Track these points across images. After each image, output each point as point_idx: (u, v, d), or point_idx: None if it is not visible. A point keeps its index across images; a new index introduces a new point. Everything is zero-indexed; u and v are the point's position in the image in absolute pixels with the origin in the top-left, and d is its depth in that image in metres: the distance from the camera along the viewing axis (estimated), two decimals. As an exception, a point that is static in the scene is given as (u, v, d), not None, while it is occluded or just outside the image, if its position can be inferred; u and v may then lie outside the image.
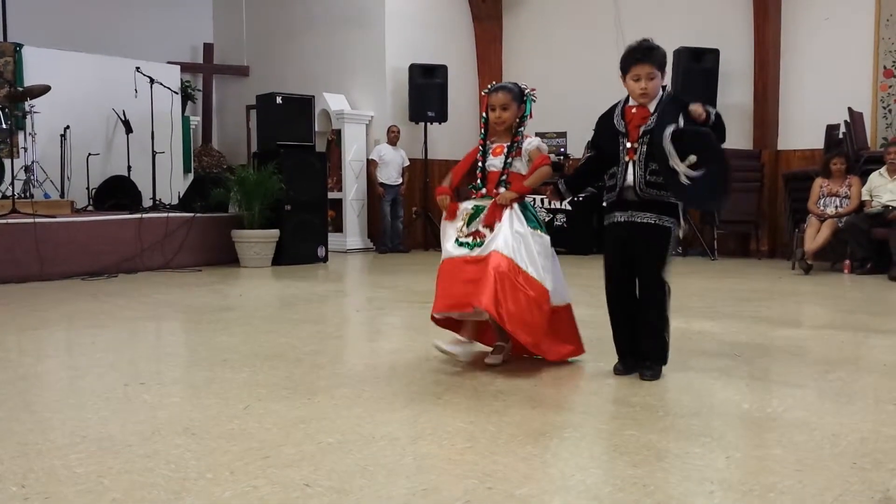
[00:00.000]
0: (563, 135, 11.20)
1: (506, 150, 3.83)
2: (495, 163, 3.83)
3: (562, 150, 11.07)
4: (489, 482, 2.26)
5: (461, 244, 3.73)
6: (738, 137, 9.96)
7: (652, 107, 3.47)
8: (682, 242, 3.48)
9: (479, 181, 3.85)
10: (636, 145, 3.43)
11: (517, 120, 3.84)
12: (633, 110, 3.51)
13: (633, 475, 2.32)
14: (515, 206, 3.74)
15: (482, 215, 3.73)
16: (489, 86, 3.97)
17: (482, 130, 3.93)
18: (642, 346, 3.51)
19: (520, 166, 3.83)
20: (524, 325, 3.56)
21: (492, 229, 3.69)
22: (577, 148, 10.74)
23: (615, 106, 3.66)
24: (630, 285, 3.52)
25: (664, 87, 3.53)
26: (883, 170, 7.88)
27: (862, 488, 2.21)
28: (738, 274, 8.00)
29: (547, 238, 3.84)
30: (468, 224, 3.77)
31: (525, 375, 3.72)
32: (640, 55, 3.44)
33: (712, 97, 9.75)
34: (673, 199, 3.41)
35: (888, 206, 7.74)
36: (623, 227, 3.49)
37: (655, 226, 3.43)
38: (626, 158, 3.46)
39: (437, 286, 3.75)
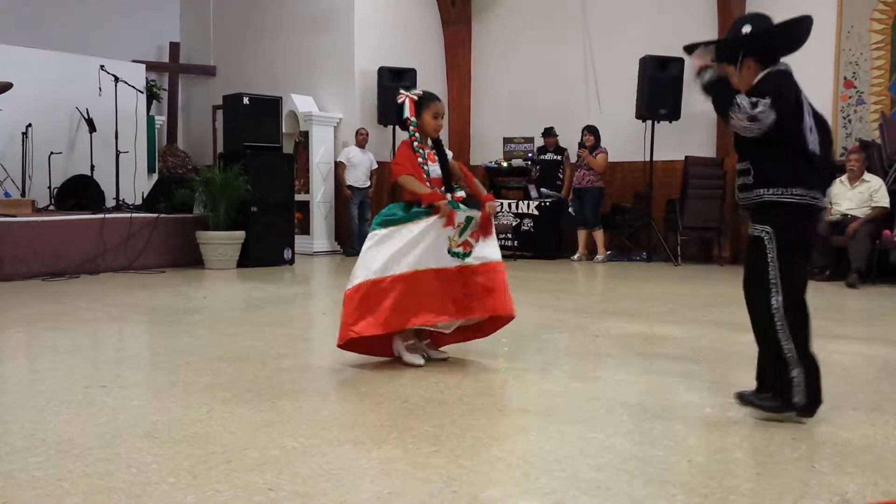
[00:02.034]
0: (530, 140, 11.26)
1: (438, 157, 3.94)
2: (435, 169, 3.92)
3: (529, 154, 11.13)
4: (454, 486, 2.26)
5: (454, 254, 3.81)
6: (701, 146, 10.12)
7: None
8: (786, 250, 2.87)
9: (428, 186, 3.88)
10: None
11: None
12: None
13: (597, 478, 2.34)
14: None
15: (473, 226, 3.84)
16: (418, 91, 3.97)
17: (418, 135, 3.91)
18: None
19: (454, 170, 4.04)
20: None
21: (477, 239, 3.85)
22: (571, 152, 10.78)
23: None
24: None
25: (769, 73, 2.92)
26: (843, 178, 8.04)
27: (820, 491, 2.26)
28: (700, 280, 8.11)
29: None
30: (460, 234, 3.83)
31: (490, 380, 3.74)
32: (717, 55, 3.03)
33: (677, 105, 9.89)
34: (766, 197, 2.87)
35: (847, 215, 7.91)
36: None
37: (749, 235, 2.99)
38: None
39: (411, 297, 3.69)
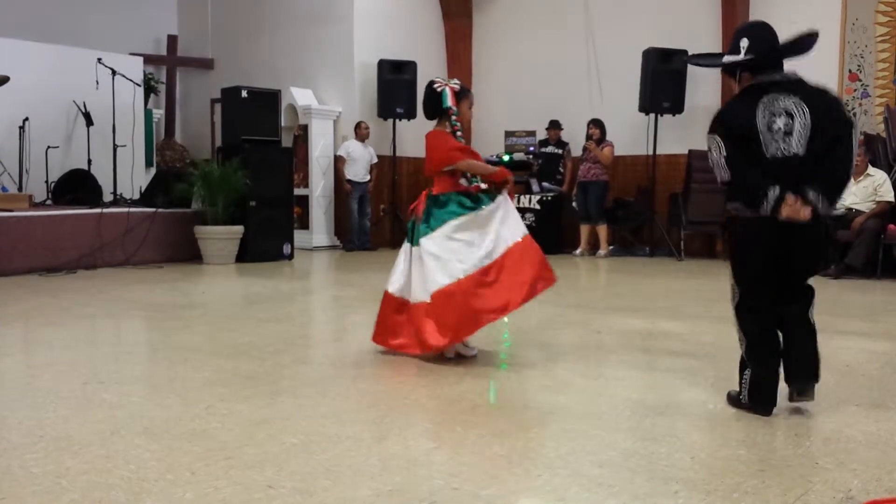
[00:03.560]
0: (532, 133, 11.22)
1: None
2: None
3: (531, 148, 11.09)
4: (455, 482, 2.24)
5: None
6: (705, 139, 10.05)
7: None
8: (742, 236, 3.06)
9: (470, 175, 3.93)
10: None
11: None
12: None
13: (599, 475, 2.32)
14: None
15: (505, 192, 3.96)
16: (457, 82, 3.96)
17: (459, 124, 3.89)
18: None
19: None
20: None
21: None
22: (570, 146, 10.76)
23: None
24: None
25: (742, 89, 3.08)
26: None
27: (824, 488, 2.24)
28: (703, 274, 8.09)
29: None
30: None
31: (492, 376, 3.72)
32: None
33: (680, 99, 9.85)
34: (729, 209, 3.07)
35: (851, 209, 7.88)
36: None
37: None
38: None
39: (518, 275, 3.74)
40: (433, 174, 3.92)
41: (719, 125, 3.01)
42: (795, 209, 2.79)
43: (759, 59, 2.96)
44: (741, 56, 2.97)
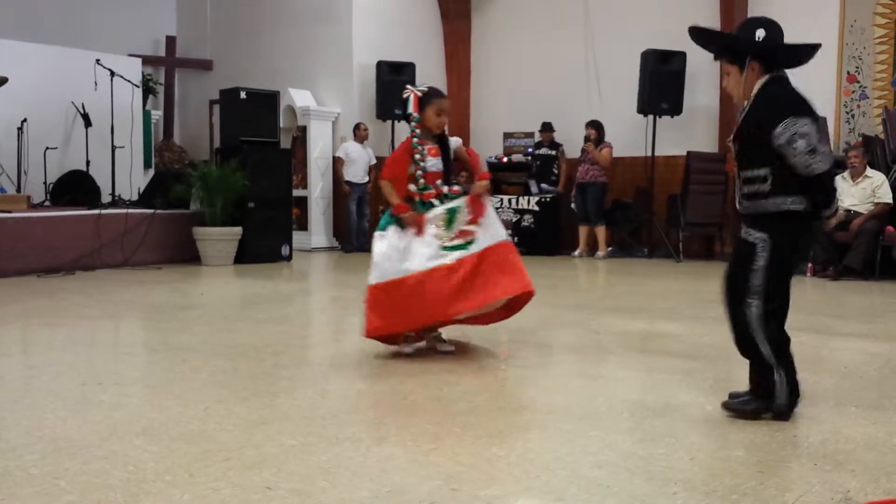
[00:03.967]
0: (530, 135, 11.22)
1: (441, 151, 3.97)
2: (435, 163, 3.95)
3: (529, 150, 11.09)
4: (454, 483, 2.24)
5: (451, 248, 3.80)
6: (703, 141, 10.08)
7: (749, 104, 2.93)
8: (779, 260, 2.84)
9: (422, 182, 3.92)
10: (731, 152, 3.00)
11: None
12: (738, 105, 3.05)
13: (597, 476, 2.32)
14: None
15: (462, 214, 3.84)
16: (423, 88, 4.01)
17: (418, 131, 3.95)
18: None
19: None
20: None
21: (476, 223, 3.84)
22: (565, 147, 10.75)
23: None
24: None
25: (772, 78, 2.89)
26: (846, 174, 8.02)
27: (823, 489, 2.24)
28: (702, 276, 8.08)
29: None
30: (448, 227, 3.83)
31: (490, 377, 3.72)
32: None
33: (679, 100, 9.85)
34: (785, 207, 2.80)
35: (850, 211, 7.88)
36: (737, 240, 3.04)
37: (741, 241, 2.93)
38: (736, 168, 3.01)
39: (402, 304, 3.75)
40: None
41: (810, 111, 2.78)
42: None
43: (775, 54, 2.86)
44: (760, 33, 2.84)
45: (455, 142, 4.06)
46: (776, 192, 2.80)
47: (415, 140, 3.93)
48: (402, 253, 3.79)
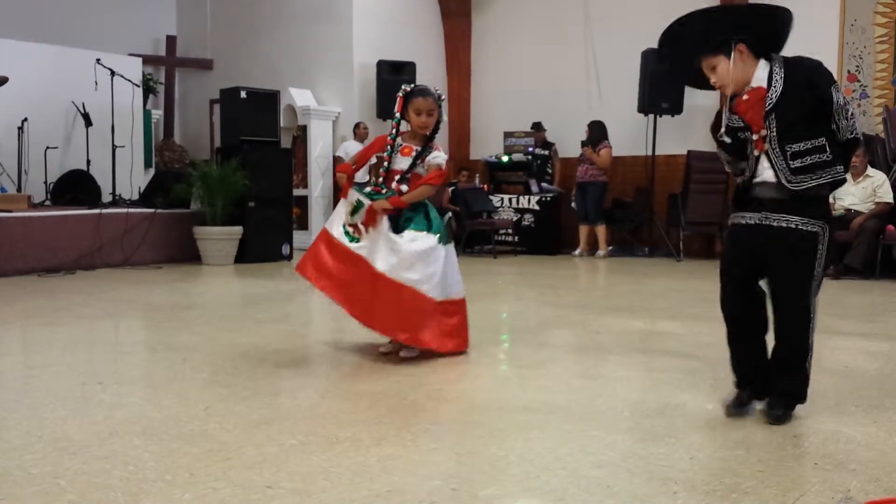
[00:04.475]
0: (531, 134, 11.21)
1: (415, 153, 3.93)
2: (402, 163, 3.93)
3: (529, 149, 11.09)
4: (453, 483, 2.24)
5: (345, 233, 3.89)
6: (704, 140, 10.03)
7: (763, 83, 2.81)
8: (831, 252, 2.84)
9: (381, 178, 3.94)
10: (765, 132, 2.80)
11: (435, 126, 3.97)
12: (745, 97, 2.85)
13: (598, 476, 2.32)
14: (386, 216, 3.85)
15: (362, 213, 3.84)
16: (410, 87, 3.99)
17: (394, 130, 3.96)
18: (776, 380, 2.88)
19: (421, 171, 3.94)
20: (401, 327, 3.79)
21: (367, 230, 3.84)
22: (565, 146, 10.75)
23: (719, 113, 2.97)
24: (752, 304, 2.90)
25: (782, 58, 2.84)
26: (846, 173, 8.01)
27: (823, 489, 2.23)
28: (703, 275, 8.08)
29: (433, 238, 3.86)
30: (351, 215, 3.89)
31: (491, 377, 3.72)
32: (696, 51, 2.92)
33: (679, 99, 9.85)
34: (840, 176, 2.80)
35: (850, 210, 7.88)
36: (753, 230, 2.86)
37: (797, 230, 2.77)
38: (757, 152, 2.83)
39: (312, 250, 4.00)
40: None
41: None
42: None
43: (757, 29, 2.85)
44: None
45: (436, 156, 3.93)
46: (835, 161, 2.77)
47: (391, 133, 3.96)
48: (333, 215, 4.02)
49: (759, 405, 2.94)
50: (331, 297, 3.89)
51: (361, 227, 3.85)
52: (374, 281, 3.74)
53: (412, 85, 4.02)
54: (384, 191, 3.89)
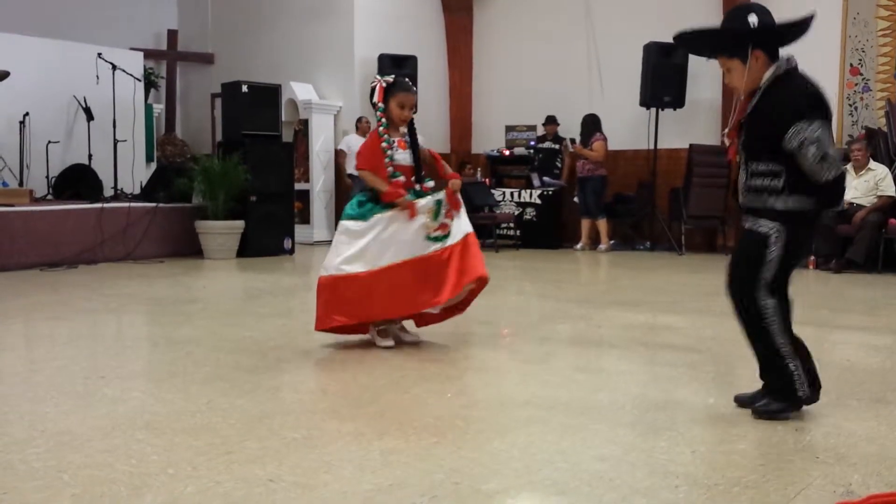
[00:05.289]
0: (532, 128, 11.20)
1: (409, 143, 3.98)
2: (404, 156, 3.96)
3: (531, 142, 11.08)
4: (456, 477, 2.24)
5: (433, 239, 3.84)
6: (705, 134, 10.05)
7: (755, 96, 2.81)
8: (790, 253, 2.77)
9: (395, 172, 3.93)
10: (735, 141, 2.90)
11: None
12: (742, 98, 2.89)
13: (600, 469, 2.32)
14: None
15: (444, 207, 3.87)
16: (390, 79, 3.99)
17: (384, 120, 3.94)
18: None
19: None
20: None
21: (451, 217, 3.89)
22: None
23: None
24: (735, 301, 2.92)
25: (785, 72, 2.79)
26: (848, 167, 8.00)
27: (825, 482, 2.24)
28: (704, 269, 8.08)
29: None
30: (435, 218, 3.86)
31: (493, 371, 3.72)
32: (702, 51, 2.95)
33: (681, 93, 9.83)
34: (792, 206, 2.73)
35: (853, 204, 7.87)
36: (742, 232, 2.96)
37: (748, 231, 2.83)
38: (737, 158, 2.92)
39: (390, 292, 3.80)
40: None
41: (823, 111, 2.69)
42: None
43: (782, 29, 2.75)
44: (753, 19, 2.73)
45: (423, 142, 4.07)
46: (790, 191, 2.71)
47: (380, 129, 3.94)
48: (383, 244, 3.82)
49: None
50: (367, 318, 3.91)
51: (447, 220, 3.88)
52: (458, 248, 3.83)
53: (392, 77, 4.04)
54: (428, 184, 3.98)
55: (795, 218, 2.74)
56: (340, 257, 3.85)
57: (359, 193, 4.11)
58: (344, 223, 3.93)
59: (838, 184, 2.76)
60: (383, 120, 3.93)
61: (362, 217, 3.87)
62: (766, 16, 2.80)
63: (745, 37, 2.76)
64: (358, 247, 3.82)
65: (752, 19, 2.76)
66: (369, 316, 3.90)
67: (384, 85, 3.94)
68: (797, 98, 2.71)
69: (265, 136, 9.36)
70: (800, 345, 2.84)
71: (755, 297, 2.77)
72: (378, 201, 3.88)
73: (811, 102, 2.70)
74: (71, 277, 6.97)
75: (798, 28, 2.81)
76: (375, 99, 3.94)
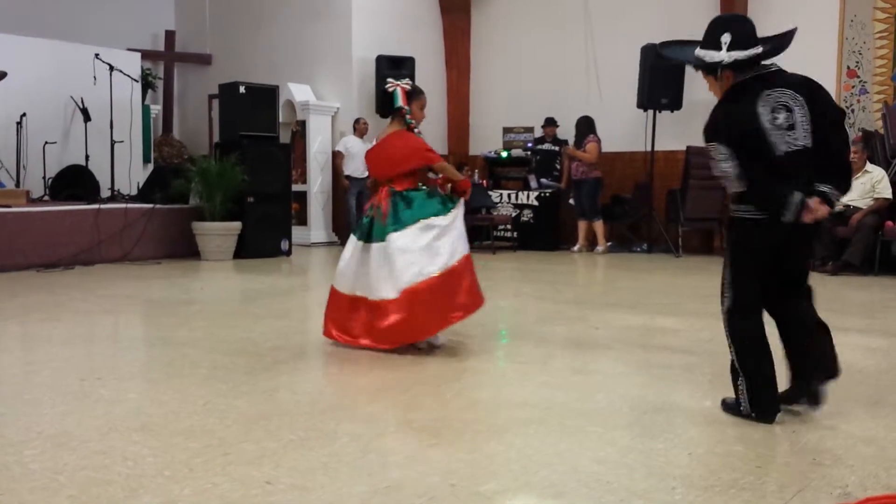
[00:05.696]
0: (529, 129, 11.21)
1: None
2: None
3: (528, 144, 11.09)
4: (453, 479, 2.24)
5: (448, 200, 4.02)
6: (702, 135, 10.05)
7: None
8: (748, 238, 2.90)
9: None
10: None
11: None
12: None
13: (597, 471, 2.32)
14: None
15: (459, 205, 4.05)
16: (408, 84, 4.05)
17: (414, 122, 4.04)
18: None
19: None
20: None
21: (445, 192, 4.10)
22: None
23: None
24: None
25: (731, 88, 2.97)
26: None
27: (822, 484, 2.24)
28: (701, 271, 8.08)
29: None
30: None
31: (490, 373, 3.72)
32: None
33: (679, 95, 9.84)
34: (733, 211, 2.92)
35: (849, 206, 7.88)
36: None
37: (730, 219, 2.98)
38: None
39: (473, 281, 3.93)
40: (398, 174, 3.96)
41: (719, 133, 2.88)
42: (819, 212, 2.72)
43: (743, 62, 2.85)
44: (723, 54, 2.85)
45: None
46: (735, 199, 2.90)
47: (416, 130, 4.02)
48: (443, 242, 3.85)
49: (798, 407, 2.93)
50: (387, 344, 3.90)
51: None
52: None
53: (409, 82, 4.10)
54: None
55: (747, 225, 2.87)
56: (435, 262, 3.83)
57: (419, 194, 3.98)
58: (421, 221, 3.86)
59: (757, 197, 2.87)
60: (414, 122, 4.02)
61: (445, 211, 3.92)
62: (743, 30, 2.88)
63: (713, 66, 2.92)
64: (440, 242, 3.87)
65: (725, 38, 2.87)
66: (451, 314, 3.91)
67: (407, 88, 4.01)
68: (711, 120, 2.98)
69: (262, 138, 9.35)
70: (763, 363, 2.86)
71: (721, 302, 2.95)
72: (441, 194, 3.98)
73: (716, 124, 2.94)
74: (67, 278, 6.96)
75: (776, 48, 2.91)
76: (401, 102, 3.99)
